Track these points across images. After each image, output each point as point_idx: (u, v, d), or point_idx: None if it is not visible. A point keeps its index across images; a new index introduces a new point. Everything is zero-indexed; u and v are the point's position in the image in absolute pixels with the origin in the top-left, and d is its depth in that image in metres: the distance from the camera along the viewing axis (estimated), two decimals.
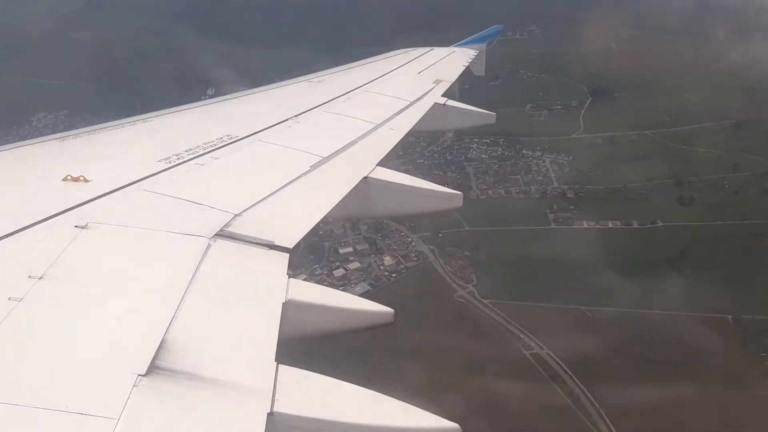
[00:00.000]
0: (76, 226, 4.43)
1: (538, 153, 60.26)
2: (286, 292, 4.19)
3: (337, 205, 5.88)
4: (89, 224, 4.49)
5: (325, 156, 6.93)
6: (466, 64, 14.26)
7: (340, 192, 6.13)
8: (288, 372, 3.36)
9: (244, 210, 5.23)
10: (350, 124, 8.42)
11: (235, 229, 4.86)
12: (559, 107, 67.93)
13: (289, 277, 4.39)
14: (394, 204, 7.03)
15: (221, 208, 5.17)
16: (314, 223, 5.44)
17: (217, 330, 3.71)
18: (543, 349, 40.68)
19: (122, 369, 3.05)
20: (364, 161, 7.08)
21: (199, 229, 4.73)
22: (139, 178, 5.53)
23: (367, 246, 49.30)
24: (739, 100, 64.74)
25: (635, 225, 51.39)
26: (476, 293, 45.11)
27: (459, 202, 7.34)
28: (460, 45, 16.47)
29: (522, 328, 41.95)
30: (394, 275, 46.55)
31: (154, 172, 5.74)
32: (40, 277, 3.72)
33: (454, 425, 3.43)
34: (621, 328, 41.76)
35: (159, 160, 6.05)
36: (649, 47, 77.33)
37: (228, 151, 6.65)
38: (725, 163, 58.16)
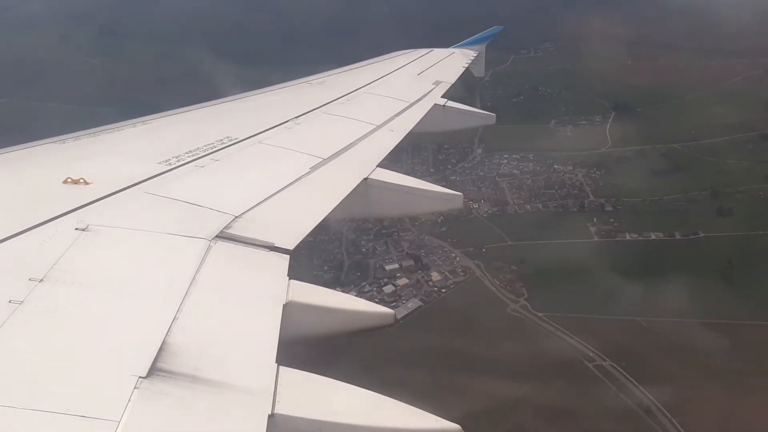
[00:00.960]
0: (76, 229, 4.42)
1: (570, 167, 60.44)
2: (287, 293, 4.19)
3: (337, 206, 5.86)
4: (90, 227, 4.49)
5: (325, 157, 6.93)
6: (466, 65, 14.24)
7: (341, 193, 6.12)
8: (289, 373, 3.35)
9: (245, 212, 5.23)
10: (350, 126, 8.42)
11: (236, 230, 4.85)
12: (583, 122, 68.38)
13: (289, 279, 4.37)
14: (394, 205, 7.02)
15: (221, 210, 5.17)
16: (315, 225, 5.43)
17: (218, 332, 3.70)
18: (605, 360, 40.29)
19: (123, 371, 3.05)
20: (365, 162, 7.08)
21: (200, 231, 4.72)
22: (139, 180, 5.53)
23: (412, 262, 49.12)
24: (762, 112, 65.56)
25: (678, 236, 51.47)
26: (529, 307, 44.73)
27: (459, 204, 7.33)
28: (459, 46, 16.40)
29: (581, 341, 41.58)
30: (444, 290, 46.29)
31: (155, 174, 5.74)
32: (41, 280, 3.72)
33: (455, 426, 3.42)
34: (679, 337, 41.49)
35: (159, 162, 6.04)
36: (664, 63, 78.60)
37: (228, 153, 6.64)
38: (758, 173, 58.62)
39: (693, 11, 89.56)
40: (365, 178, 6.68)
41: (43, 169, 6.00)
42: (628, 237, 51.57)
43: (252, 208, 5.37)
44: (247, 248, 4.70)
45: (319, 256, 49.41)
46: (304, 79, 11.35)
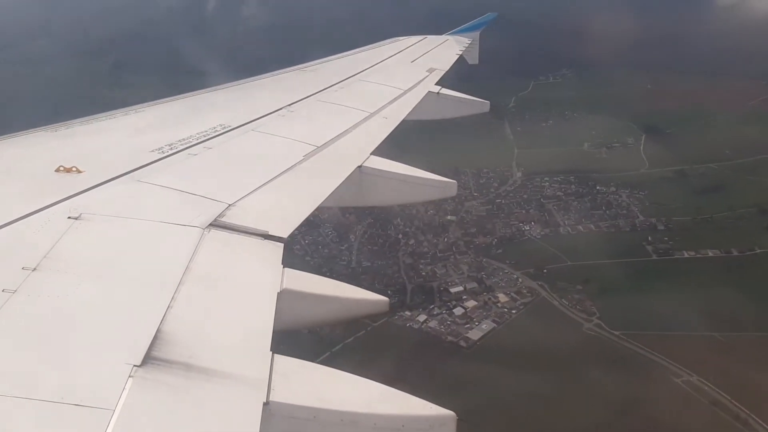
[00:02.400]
0: (69, 217, 4.41)
1: (612, 188, 60.67)
2: (281, 281, 4.18)
3: (331, 194, 5.86)
4: (82, 215, 4.48)
5: (319, 145, 6.93)
6: (460, 52, 14.20)
7: (335, 181, 6.11)
8: (284, 361, 3.35)
9: (238, 200, 5.21)
10: (344, 113, 8.39)
11: (229, 219, 4.84)
12: (616, 145, 68.96)
13: (283, 267, 4.35)
14: (388, 193, 7.01)
15: (215, 198, 5.15)
16: (309, 213, 5.40)
17: (212, 320, 3.70)
18: (692, 376, 39.93)
19: (117, 360, 3.03)
20: (359, 150, 7.08)
21: (193, 220, 4.70)
22: (132, 168, 5.51)
23: (475, 284, 48.87)
24: None
25: (735, 252, 51.71)
26: (604, 325, 44.32)
27: (453, 191, 7.34)
28: (453, 33, 16.37)
29: (664, 357, 41.25)
30: (513, 311, 45.95)
31: (147, 162, 5.72)
32: (34, 269, 3.71)
33: (450, 413, 3.44)
34: (760, 351, 41.35)
35: (152, 151, 6.02)
36: (684, 86, 79.84)
37: (221, 141, 6.64)
38: None
39: (709, 34, 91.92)
40: (359, 166, 6.65)
41: (35, 157, 5.93)
42: (685, 255, 51.67)
43: (246, 196, 5.34)
44: (241, 236, 4.67)
45: (381, 280, 48.82)
46: (297, 66, 11.31)
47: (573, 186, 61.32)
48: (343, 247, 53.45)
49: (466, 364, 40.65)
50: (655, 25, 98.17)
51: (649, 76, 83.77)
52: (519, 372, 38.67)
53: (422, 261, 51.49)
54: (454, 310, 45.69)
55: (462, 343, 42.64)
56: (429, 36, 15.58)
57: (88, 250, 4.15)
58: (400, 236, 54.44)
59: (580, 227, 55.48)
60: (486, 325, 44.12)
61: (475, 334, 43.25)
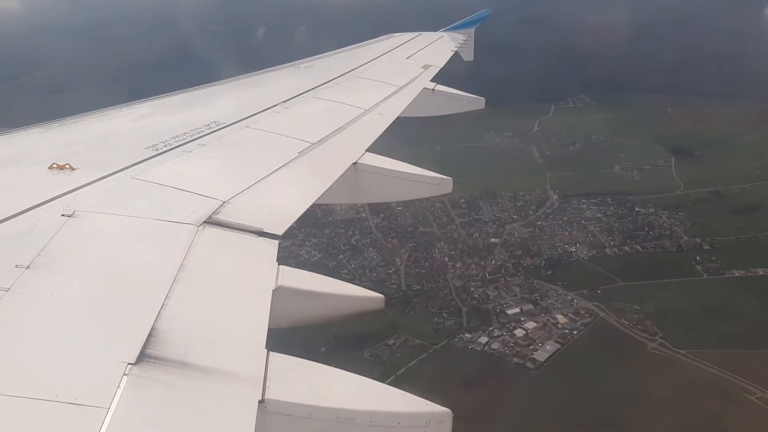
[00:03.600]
0: (63, 215, 4.40)
1: (651, 210, 60.70)
2: (276, 279, 4.17)
3: (326, 191, 5.86)
4: (76, 212, 4.46)
5: (313, 142, 6.92)
6: (455, 49, 14.23)
7: (330, 178, 6.11)
8: (279, 359, 3.35)
9: (233, 197, 5.20)
10: (339, 110, 8.39)
11: (224, 216, 4.83)
12: (648, 167, 69.11)
13: (278, 264, 4.34)
14: (384, 189, 7.01)
15: (209, 195, 5.14)
16: (304, 210, 5.39)
17: (207, 318, 3.69)
18: (766, 392, 39.57)
19: (112, 358, 3.02)
20: (354, 147, 7.07)
21: (188, 217, 4.69)
22: (125, 165, 5.50)
23: (531, 306, 48.50)
24: None
25: None
26: (668, 344, 43.97)
27: (449, 188, 7.31)
28: (448, 30, 16.38)
29: (734, 375, 40.98)
30: (575, 332, 45.73)
31: (141, 159, 5.71)
32: (28, 267, 3.70)
33: (446, 410, 3.42)
34: None
35: (146, 148, 6.01)
36: (704, 109, 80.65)
37: (215, 138, 6.63)
38: None
39: (724, 57, 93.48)
40: (354, 163, 6.64)
41: (28, 155, 5.89)
42: (736, 273, 51.65)
43: (240, 193, 5.32)
44: (235, 234, 4.65)
45: (434, 303, 48.47)
46: (292, 63, 11.28)
47: (612, 208, 61.42)
48: (390, 271, 53.13)
49: (539, 386, 40.21)
50: (669, 49, 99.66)
51: (667, 99, 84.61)
52: (595, 393, 38.27)
53: (473, 283, 51.11)
54: (515, 332, 45.36)
55: (529, 365, 42.26)
56: (424, 32, 15.55)
57: (82, 247, 4.11)
58: (446, 259, 54.14)
59: (626, 248, 55.50)
60: (550, 347, 43.80)
61: (540, 356, 42.85)
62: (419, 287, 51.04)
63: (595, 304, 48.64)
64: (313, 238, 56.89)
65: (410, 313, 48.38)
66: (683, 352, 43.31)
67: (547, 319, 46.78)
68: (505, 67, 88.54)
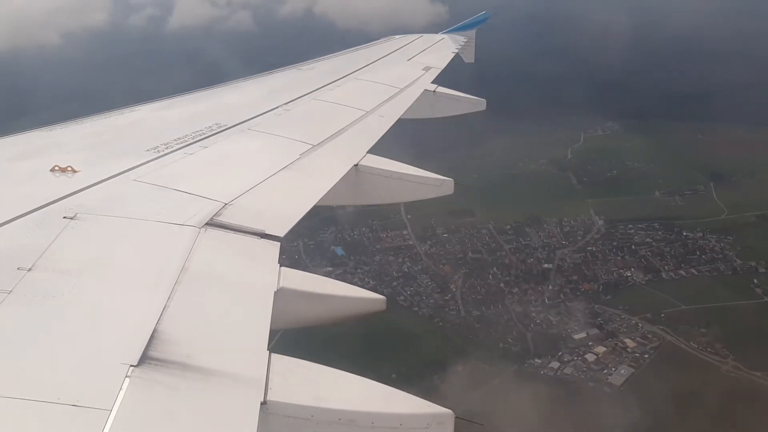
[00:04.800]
0: (64, 217, 4.41)
1: (700, 234, 60.68)
2: (278, 280, 4.19)
3: (327, 192, 5.87)
4: (78, 215, 4.48)
5: (315, 144, 6.93)
6: (456, 50, 14.23)
7: (331, 180, 6.12)
8: (281, 361, 3.36)
9: (234, 199, 5.22)
10: (340, 112, 8.41)
11: (226, 218, 4.84)
12: (688, 192, 69.28)
13: (280, 266, 4.36)
14: (385, 191, 7.02)
15: (211, 197, 5.15)
16: (305, 211, 5.39)
17: (209, 320, 3.70)
18: None
19: (114, 360, 3.03)
20: (355, 149, 7.09)
21: (189, 219, 4.70)
22: (127, 167, 5.51)
23: (597, 331, 48.11)
24: None
25: None
26: (742, 366, 43.48)
27: (450, 189, 7.29)
28: (449, 32, 16.28)
29: None
30: (646, 356, 45.58)
31: (143, 161, 5.73)
32: (30, 269, 3.70)
33: (447, 411, 3.42)
34: None
35: (147, 150, 6.03)
36: (734, 134, 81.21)
37: (217, 140, 6.65)
38: None
39: (751, 85, 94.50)
40: (356, 165, 6.65)
41: (30, 157, 5.90)
42: None
43: (242, 195, 5.33)
44: (237, 235, 4.66)
45: (496, 329, 47.99)
46: (293, 65, 11.31)
47: (660, 233, 61.42)
48: (447, 297, 52.76)
49: (620, 409, 39.55)
50: (692, 77, 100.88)
51: (694, 126, 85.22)
52: (678, 414, 37.78)
53: (533, 309, 50.58)
54: (585, 356, 44.70)
55: (606, 389, 41.60)
56: (424, 34, 15.58)
57: (83, 249, 4.11)
58: (502, 285, 53.77)
59: (682, 272, 55.33)
60: (624, 370, 43.48)
61: (616, 380, 42.43)
62: (479, 313, 50.60)
63: (661, 327, 48.44)
64: (364, 266, 56.60)
65: (474, 339, 47.89)
66: (758, 374, 42.81)
67: (616, 344, 46.56)
68: (534, 97, 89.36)
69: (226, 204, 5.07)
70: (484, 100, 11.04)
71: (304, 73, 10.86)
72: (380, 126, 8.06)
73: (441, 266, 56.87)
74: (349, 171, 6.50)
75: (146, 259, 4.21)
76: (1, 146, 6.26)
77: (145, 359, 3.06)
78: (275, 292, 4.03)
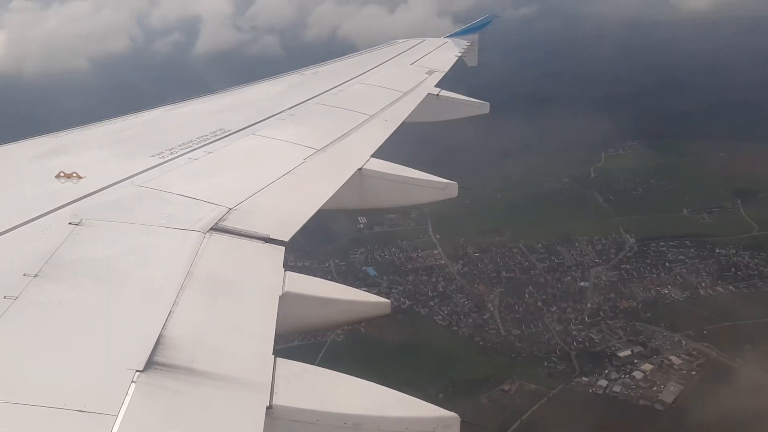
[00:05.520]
0: (70, 223, 4.43)
1: (732, 251, 60.54)
2: (283, 284, 4.19)
3: (332, 197, 5.88)
4: (83, 221, 4.49)
5: (319, 148, 6.95)
6: (459, 54, 14.27)
7: (335, 184, 6.13)
8: (286, 365, 3.36)
9: (239, 203, 5.24)
10: (344, 116, 8.43)
11: (230, 223, 4.86)
12: (716, 210, 69.14)
13: (285, 270, 4.36)
14: (390, 195, 7.02)
15: (215, 202, 5.17)
16: (309, 216, 5.40)
17: (214, 324, 3.70)
18: None
19: (120, 365, 3.03)
20: (359, 153, 7.10)
21: (194, 224, 4.72)
22: (132, 173, 5.54)
23: (641, 348, 47.74)
24: None
25: None
26: None
27: (454, 193, 7.28)
28: (452, 36, 16.43)
29: None
30: (693, 373, 45.31)
31: (148, 167, 5.75)
32: (36, 275, 3.71)
33: (453, 414, 3.42)
34: None
35: (152, 155, 6.06)
36: (755, 151, 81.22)
37: (221, 145, 6.66)
38: None
39: (763, 100, 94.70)
40: (360, 169, 6.66)
41: (35, 163, 5.93)
42: None
43: (246, 199, 5.35)
44: (242, 240, 4.67)
45: (539, 348, 47.69)
46: (297, 70, 11.35)
47: (692, 250, 61.18)
48: (485, 317, 52.45)
49: (677, 427, 38.99)
50: (708, 96, 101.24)
51: (713, 144, 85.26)
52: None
53: (573, 327, 50.22)
54: (633, 374, 44.25)
55: (658, 407, 41.26)
56: (427, 38, 15.64)
57: (89, 255, 4.13)
58: (539, 303, 53.44)
59: (720, 289, 55.07)
60: (674, 388, 43.18)
61: (667, 397, 42.09)
62: (519, 332, 50.24)
63: (705, 344, 48.00)
64: (399, 285, 56.39)
65: (517, 358, 47.47)
66: None
67: (662, 361, 46.25)
68: (552, 116, 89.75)
69: (230, 209, 5.08)
70: (487, 103, 11.02)
71: (307, 78, 10.91)
72: (384, 130, 8.07)
73: (476, 285, 56.68)
74: (353, 175, 6.50)
75: (151, 264, 4.21)
76: (7, 152, 6.26)
77: (150, 364, 3.05)
78: (280, 297, 4.02)
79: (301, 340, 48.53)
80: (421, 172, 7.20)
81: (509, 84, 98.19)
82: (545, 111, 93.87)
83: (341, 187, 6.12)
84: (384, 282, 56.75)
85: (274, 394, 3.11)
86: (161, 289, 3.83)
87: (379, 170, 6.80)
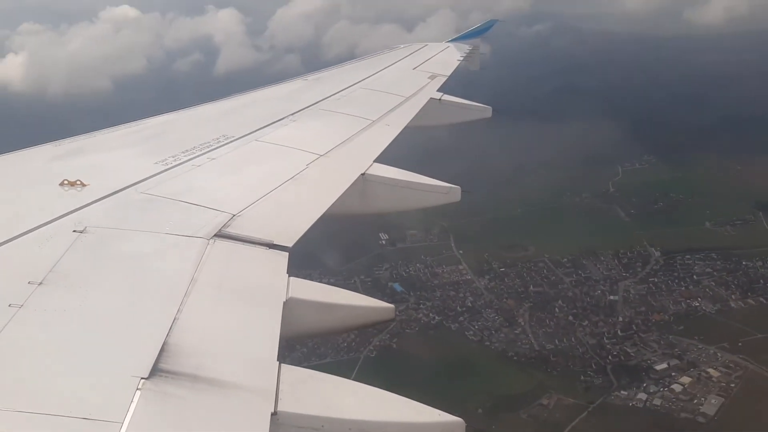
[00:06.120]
0: (74, 231, 4.43)
1: (759, 263, 60.48)
2: (287, 290, 4.19)
3: (335, 202, 5.88)
4: (87, 228, 4.49)
5: (322, 153, 6.97)
6: (461, 58, 14.30)
7: (338, 189, 6.13)
8: (291, 371, 3.35)
9: (243, 210, 5.24)
10: (346, 121, 8.44)
11: (234, 229, 4.86)
12: (738, 222, 69.17)
13: (288, 276, 4.36)
14: (393, 200, 7.00)
15: (219, 209, 5.18)
16: (313, 221, 5.38)
17: (219, 331, 3.70)
18: None
19: (125, 372, 3.03)
20: (362, 158, 7.10)
21: (198, 230, 4.72)
22: (136, 180, 5.54)
23: (677, 361, 47.64)
24: None
25: None
26: None
27: (457, 197, 7.28)
28: (454, 40, 16.50)
29: None
30: (733, 385, 45.15)
31: (151, 174, 5.76)
32: (40, 283, 3.71)
33: (458, 419, 3.41)
34: None
35: (156, 162, 6.07)
36: None
37: (224, 151, 6.68)
38: None
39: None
40: (363, 174, 6.66)
41: (39, 171, 5.96)
42: None
43: (250, 206, 5.35)
44: (245, 246, 4.67)
45: (575, 362, 47.53)
46: (300, 76, 11.38)
47: (719, 263, 61.14)
48: (516, 331, 52.19)
49: None
50: (722, 110, 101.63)
51: (732, 158, 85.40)
52: None
53: (607, 341, 49.98)
54: (672, 387, 43.98)
55: (701, 419, 40.96)
56: (430, 43, 15.69)
57: (93, 263, 4.13)
58: (570, 318, 53.26)
59: (750, 301, 55.07)
60: (714, 400, 43.11)
61: (709, 409, 41.85)
62: (552, 346, 49.97)
63: (741, 357, 47.79)
64: (427, 301, 56.23)
65: (553, 372, 47.21)
66: None
67: (700, 374, 46.14)
68: (568, 133, 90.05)
69: (234, 215, 5.08)
70: (489, 107, 11.01)
71: (310, 84, 10.92)
72: (387, 135, 8.06)
73: (504, 300, 56.47)
74: (356, 180, 6.49)
75: (156, 271, 4.21)
76: (11, 161, 6.24)
77: (155, 371, 3.05)
78: (284, 302, 4.02)
79: (334, 357, 48.43)
80: (423, 176, 7.21)
81: (522, 99, 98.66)
82: (559, 126, 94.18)
83: (344, 192, 6.13)
84: (411, 298, 56.68)
85: (279, 400, 3.10)
86: (165, 295, 3.83)
87: (383, 175, 6.80)
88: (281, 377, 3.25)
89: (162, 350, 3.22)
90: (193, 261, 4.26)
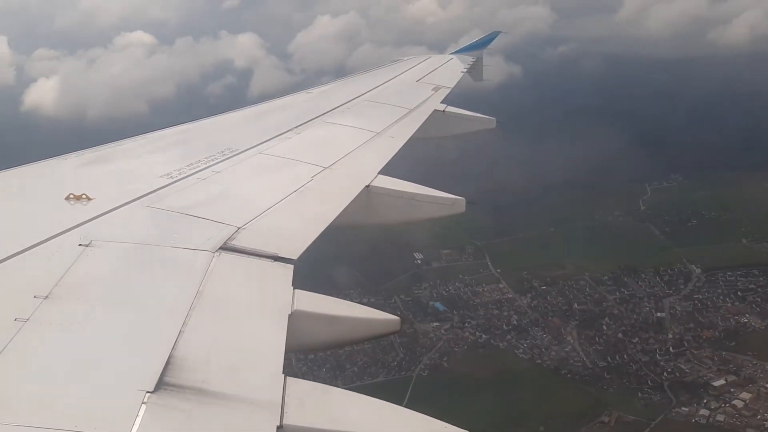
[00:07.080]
0: (80, 245, 4.43)
1: None
2: (292, 303, 4.17)
3: (340, 214, 5.88)
4: (93, 242, 4.49)
5: (326, 166, 6.98)
6: (465, 70, 14.38)
7: (343, 201, 6.14)
8: (296, 384, 3.34)
9: (247, 222, 5.24)
10: (351, 134, 8.46)
11: (239, 242, 4.86)
12: None
13: (294, 289, 4.35)
14: (397, 211, 7.02)
15: (224, 222, 5.18)
16: (318, 234, 5.38)
17: (224, 344, 3.70)
18: None
19: (130, 386, 3.03)
20: (366, 170, 7.12)
21: (203, 244, 4.73)
22: (141, 194, 5.55)
23: (734, 377, 47.48)
24: None
25: None
26: None
27: (462, 208, 7.27)
28: (457, 52, 16.58)
29: None
30: None
31: (157, 187, 5.77)
32: (46, 297, 3.71)
33: None
34: None
35: (161, 176, 6.08)
36: None
37: (229, 165, 6.69)
38: None
39: None
40: (367, 186, 6.67)
41: (45, 186, 6.01)
42: None
43: (255, 218, 5.36)
44: (250, 259, 4.66)
45: (630, 379, 47.06)
46: (304, 90, 11.45)
47: (761, 278, 60.60)
48: (567, 349, 51.73)
49: None
50: (745, 129, 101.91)
51: (758, 175, 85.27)
52: None
53: (660, 358, 49.50)
54: (733, 403, 43.51)
55: None
56: (433, 55, 15.77)
57: (99, 277, 4.13)
58: (620, 335, 52.75)
59: None
60: None
61: None
62: (605, 364, 49.40)
63: None
64: (471, 320, 55.80)
65: (609, 389, 46.65)
66: None
67: (759, 389, 45.29)
68: (595, 152, 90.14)
69: (239, 228, 5.08)
70: (493, 119, 11.03)
71: (314, 97, 10.95)
72: (391, 147, 8.07)
73: (550, 318, 55.94)
74: (361, 192, 6.50)
75: (161, 285, 4.22)
76: (17, 176, 6.26)
77: (161, 385, 3.04)
78: (289, 315, 4.01)
79: (386, 376, 47.92)
80: (428, 188, 7.19)
81: (548, 121, 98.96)
82: (586, 146, 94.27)
83: (349, 204, 6.12)
84: (455, 316, 56.18)
85: (285, 414, 3.08)
86: (171, 309, 3.82)
87: (387, 187, 6.80)
88: (287, 390, 3.23)
89: (168, 364, 3.21)
90: (198, 274, 4.24)
